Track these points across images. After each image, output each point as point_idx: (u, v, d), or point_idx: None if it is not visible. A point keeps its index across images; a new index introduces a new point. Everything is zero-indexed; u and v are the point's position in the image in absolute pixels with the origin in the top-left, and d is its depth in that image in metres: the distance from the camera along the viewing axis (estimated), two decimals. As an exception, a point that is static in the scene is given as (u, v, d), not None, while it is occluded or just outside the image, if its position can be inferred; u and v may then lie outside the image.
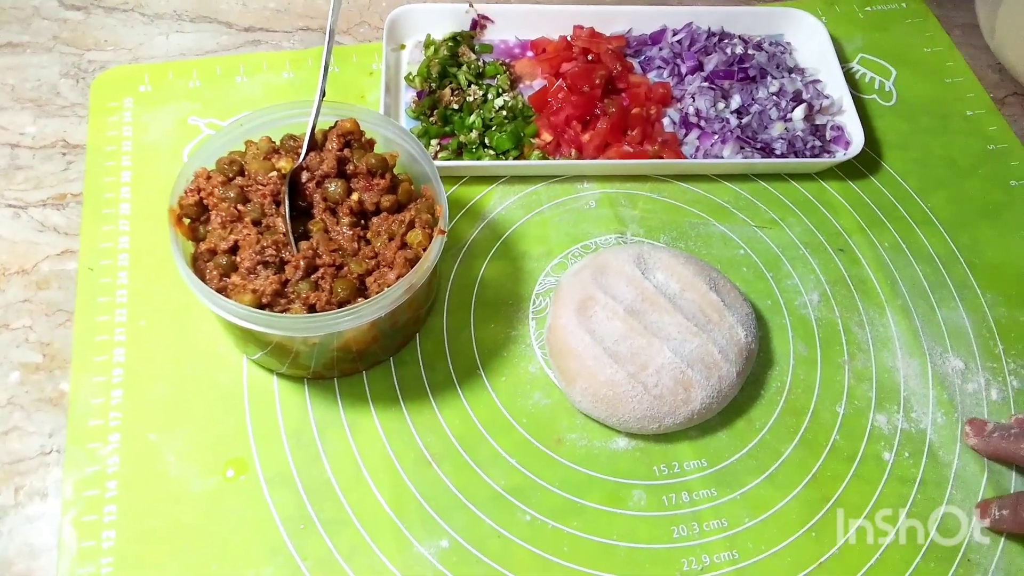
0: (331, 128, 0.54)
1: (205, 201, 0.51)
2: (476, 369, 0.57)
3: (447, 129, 0.67)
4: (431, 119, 0.67)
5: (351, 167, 0.53)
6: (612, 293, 0.56)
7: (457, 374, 0.57)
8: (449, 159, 0.65)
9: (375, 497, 0.52)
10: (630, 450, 0.55)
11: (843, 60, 0.77)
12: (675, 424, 0.54)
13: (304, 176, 0.52)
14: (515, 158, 0.66)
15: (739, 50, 0.72)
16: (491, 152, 0.66)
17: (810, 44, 0.75)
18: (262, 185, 0.51)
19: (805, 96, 0.70)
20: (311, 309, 0.48)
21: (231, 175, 0.52)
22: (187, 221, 0.51)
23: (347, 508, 0.51)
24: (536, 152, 0.66)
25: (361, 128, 0.55)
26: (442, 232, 0.51)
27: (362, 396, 0.55)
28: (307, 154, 0.53)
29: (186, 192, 0.51)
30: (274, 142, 0.54)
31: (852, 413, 0.58)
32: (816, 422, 0.57)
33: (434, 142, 0.66)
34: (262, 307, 0.48)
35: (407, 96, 0.69)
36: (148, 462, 0.51)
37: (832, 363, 0.60)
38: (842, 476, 0.55)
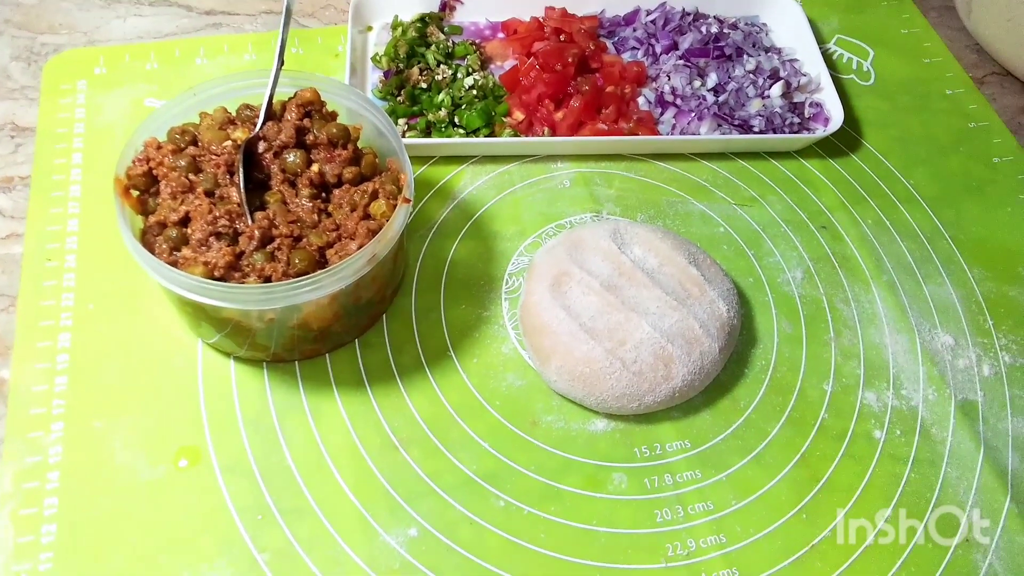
0: (290, 99, 0.52)
1: (155, 172, 0.48)
2: (446, 351, 0.54)
3: (415, 109, 0.65)
4: (398, 99, 0.65)
5: (311, 138, 0.51)
6: (588, 268, 0.54)
7: (426, 356, 0.54)
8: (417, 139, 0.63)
9: (338, 485, 0.48)
10: (609, 432, 0.52)
11: (820, 41, 0.75)
12: (656, 403, 0.51)
13: (261, 147, 0.50)
14: (486, 137, 0.64)
15: (714, 29, 0.70)
16: (461, 131, 0.64)
17: (786, 25, 0.74)
18: (216, 155, 0.49)
19: (783, 74, 0.69)
20: (267, 282, 0.45)
21: (183, 145, 0.49)
22: (135, 194, 0.48)
23: (308, 497, 0.48)
24: (508, 131, 0.64)
25: (322, 99, 0.52)
26: (407, 201, 0.48)
27: (325, 380, 0.52)
28: (264, 123, 0.50)
29: (134, 162, 0.48)
30: (229, 112, 0.51)
31: (840, 391, 0.55)
32: (803, 400, 0.55)
33: (401, 121, 0.64)
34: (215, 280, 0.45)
35: (373, 77, 0.67)
36: (93, 452, 0.48)
37: (818, 340, 0.57)
38: (832, 455, 0.52)
